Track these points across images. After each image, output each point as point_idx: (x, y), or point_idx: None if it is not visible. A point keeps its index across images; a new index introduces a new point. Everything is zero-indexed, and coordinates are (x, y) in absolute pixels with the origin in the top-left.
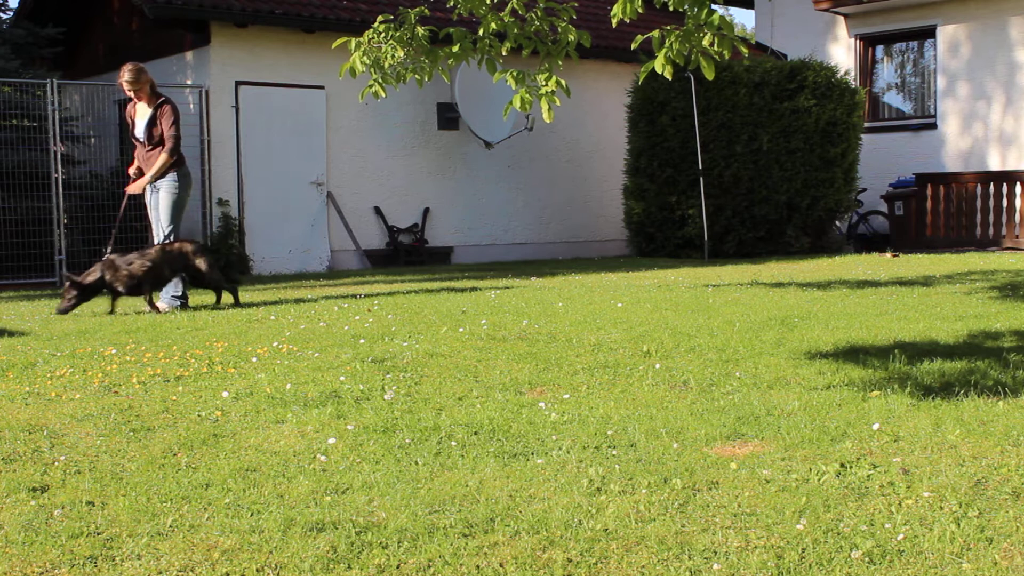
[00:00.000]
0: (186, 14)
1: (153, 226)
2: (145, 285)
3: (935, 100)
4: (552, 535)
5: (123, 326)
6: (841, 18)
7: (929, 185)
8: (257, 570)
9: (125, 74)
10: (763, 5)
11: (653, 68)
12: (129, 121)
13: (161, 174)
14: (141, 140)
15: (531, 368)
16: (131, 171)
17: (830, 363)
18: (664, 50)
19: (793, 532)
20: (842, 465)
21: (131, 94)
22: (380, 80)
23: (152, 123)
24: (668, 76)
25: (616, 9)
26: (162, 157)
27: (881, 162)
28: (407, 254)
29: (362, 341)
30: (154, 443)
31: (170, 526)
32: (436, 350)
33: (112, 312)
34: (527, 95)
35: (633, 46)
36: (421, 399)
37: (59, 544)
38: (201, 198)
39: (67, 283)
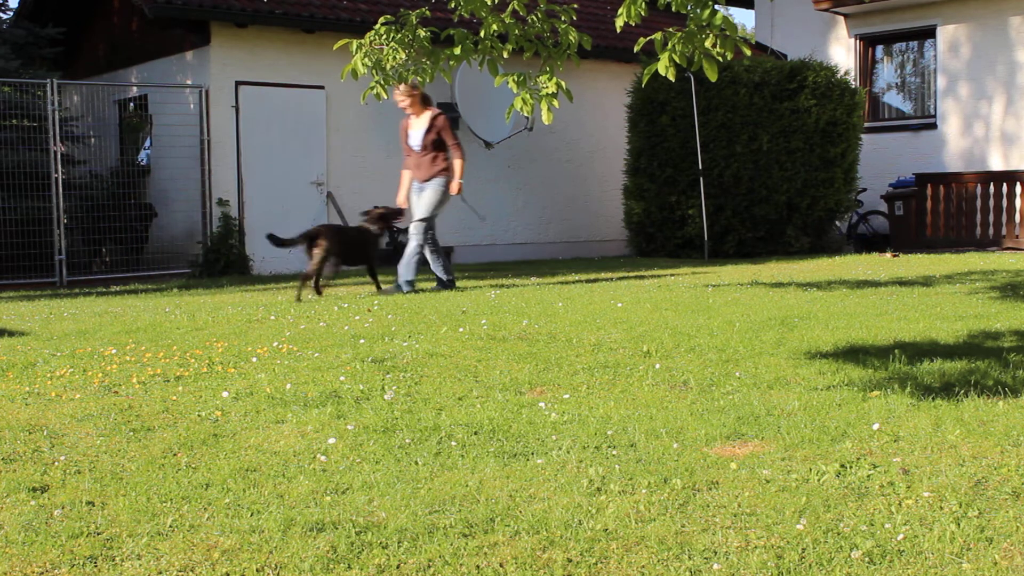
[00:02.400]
0: (186, 14)
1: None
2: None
3: (935, 100)
4: (552, 535)
5: (123, 326)
6: (841, 18)
7: (929, 185)
8: (257, 570)
9: (400, 88)
10: (763, 5)
11: (656, 70)
12: (403, 133)
13: (432, 176)
14: (416, 148)
15: (531, 368)
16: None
17: (830, 363)
18: (667, 52)
19: (793, 532)
20: (842, 465)
21: (404, 107)
22: (382, 82)
23: (428, 132)
24: (672, 78)
25: (621, 11)
26: (458, 162)
27: (881, 162)
28: None
29: (362, 341)
30: (154, 443)
31: (170, 526)
32: (436, 350)
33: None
34: (528, 97)
35: (636, 48)
36: (421, 399)
37: (59, 544)
38: (201, 198)
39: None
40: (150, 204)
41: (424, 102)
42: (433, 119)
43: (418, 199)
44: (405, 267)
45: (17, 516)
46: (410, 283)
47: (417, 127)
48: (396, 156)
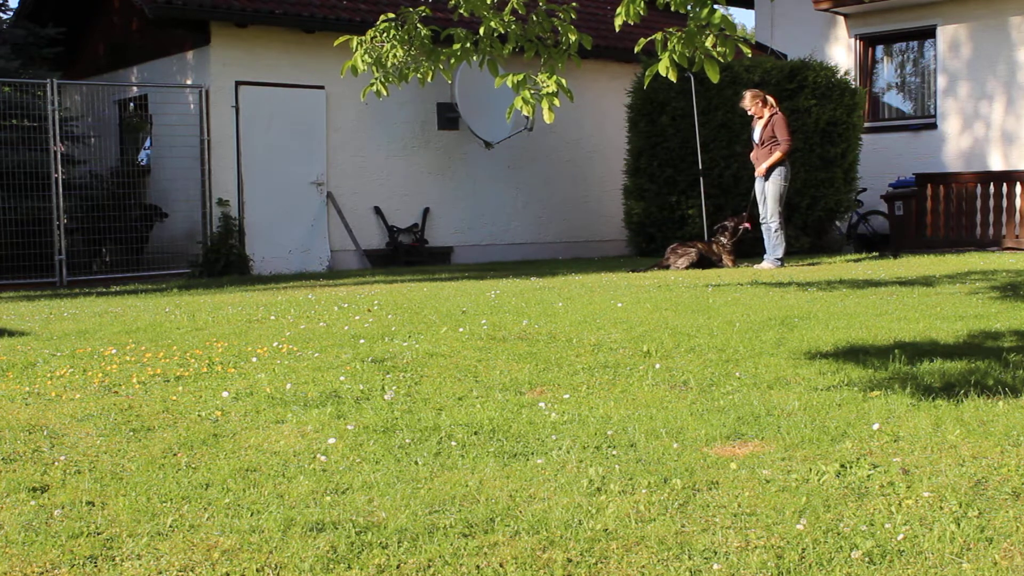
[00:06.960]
0: (186, 14)
1: (760, 208)
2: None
3: (935, 100)
4: (552, 535)
5: (123, 326)
6: (841, 18)
7: (929, 185)
8: (257, 570)
9: (746, 99)
10: (763, 5)
11: (657, 71)
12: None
13: (771, 168)
14: (756, 142)
15: (531, 368)
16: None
17: (830, 363)
18: (667, 52)
19: (793, 532)
20: (842, 465)
21: (751, 112)
22: (382, 79)
23: (765, 127)
24: (673, 79)
25: (620, 10)
26: (775, 154)
27: (881, 162)
28: (407, 254)
29: (362, 341)
30: (154, 443)
31: (170, 526)
32: (436, 350)
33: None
34: (529, 97)
35: (636, 49)
36: (421, 399)
37: (59, 544)
38: (201, 198)
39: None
40: (157, 205)
41: (764, 103)
42: (770, 117)
43: (762, 192)
44: (774, 247)
45: (17, 516)
46: (780, 259)
47: (759, 124)
48: (397, 156)
